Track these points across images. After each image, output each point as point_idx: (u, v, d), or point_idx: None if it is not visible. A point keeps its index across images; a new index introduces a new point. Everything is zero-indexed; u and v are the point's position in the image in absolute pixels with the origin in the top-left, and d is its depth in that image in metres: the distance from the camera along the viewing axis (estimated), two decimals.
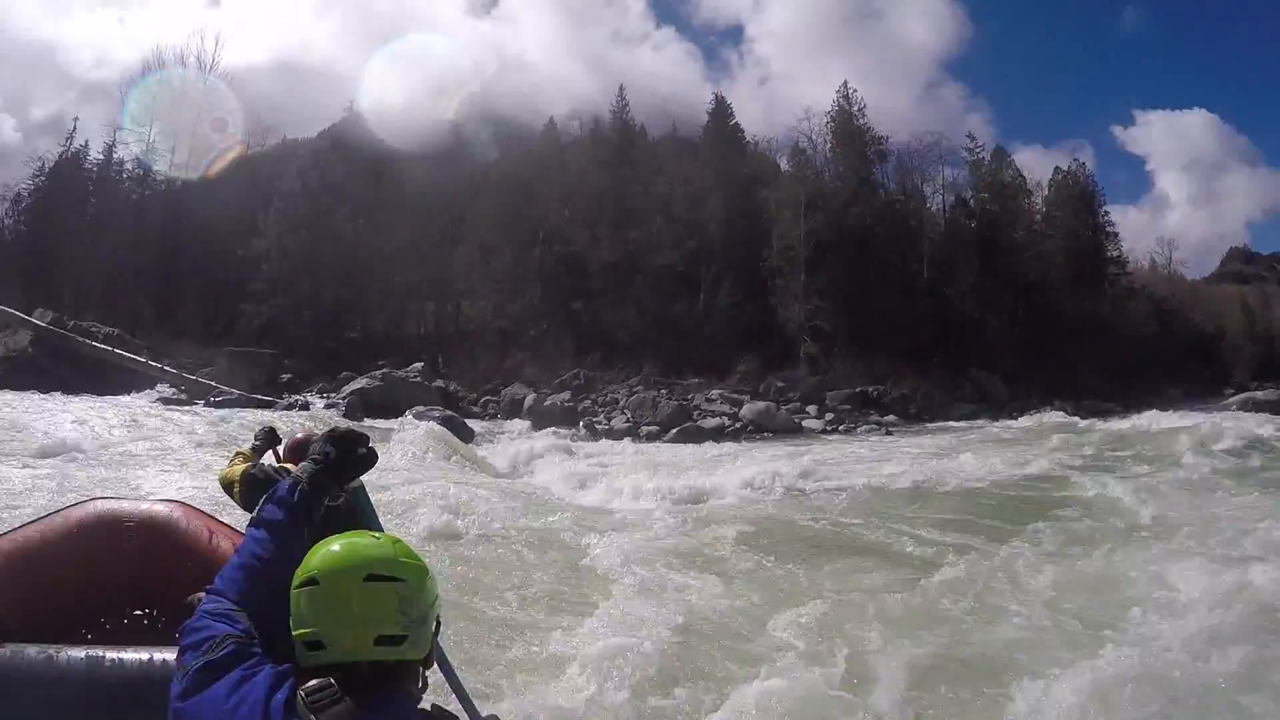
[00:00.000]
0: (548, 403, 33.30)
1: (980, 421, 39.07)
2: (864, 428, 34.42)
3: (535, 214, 56.28)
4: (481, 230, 56.84)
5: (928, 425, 37.95)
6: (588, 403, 36.13)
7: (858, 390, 43.20)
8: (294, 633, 1.82)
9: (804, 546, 10.25)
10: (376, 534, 2.03)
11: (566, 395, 35.80)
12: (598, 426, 30.91)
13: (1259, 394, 31.24)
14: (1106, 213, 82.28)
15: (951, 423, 39.49)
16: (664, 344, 48.65)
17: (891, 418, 40.21)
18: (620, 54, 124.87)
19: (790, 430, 33.26)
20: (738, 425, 32.73)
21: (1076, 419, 35.37)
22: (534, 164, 62.44)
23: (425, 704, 1.88)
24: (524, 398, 35.34)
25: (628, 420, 32.07)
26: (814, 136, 63.81)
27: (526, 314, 52.78)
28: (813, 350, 49.02)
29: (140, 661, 3.20)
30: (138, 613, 4.18)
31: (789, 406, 38.50)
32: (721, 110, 67.99)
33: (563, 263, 54.79)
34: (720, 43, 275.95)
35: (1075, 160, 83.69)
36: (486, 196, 58.67)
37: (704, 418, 32.94)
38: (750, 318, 51.98)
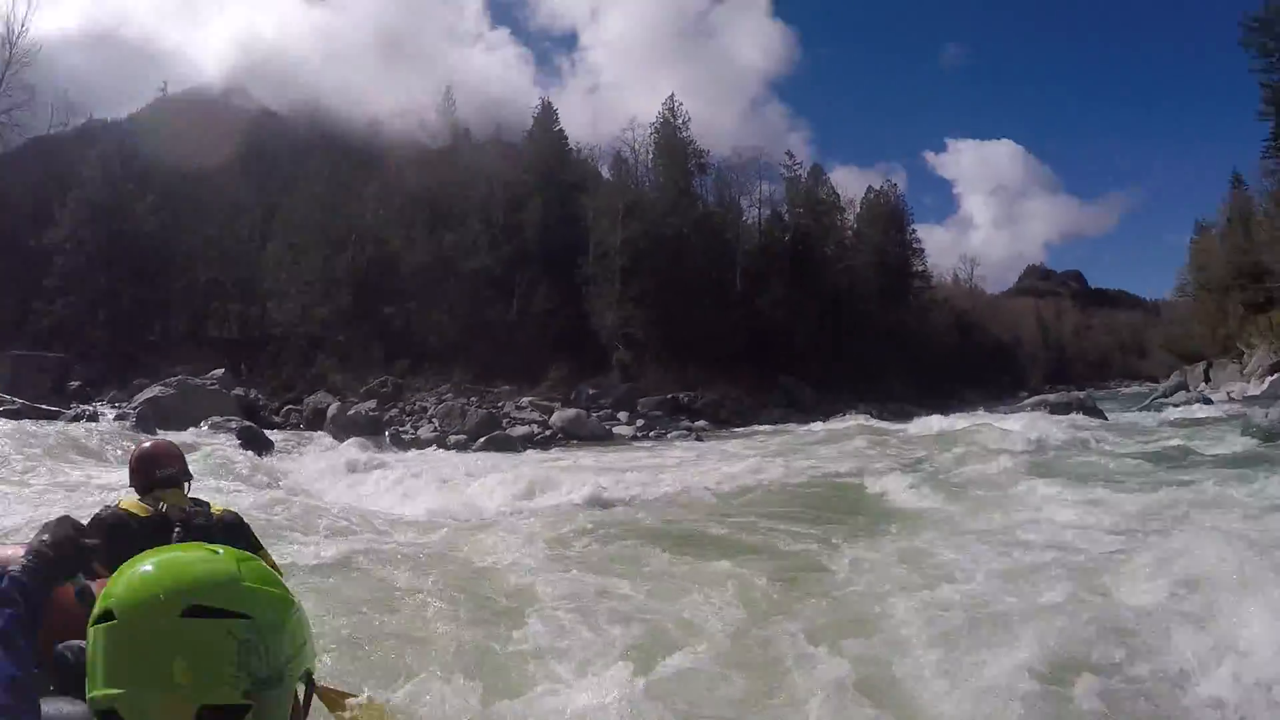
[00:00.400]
0: (351, 412, 31.48)
1: (789, 425, 40.01)
2: (674, 433, 34.47)
3: (350, 213, 54.21)
4: (293, 228, 54.38)
5: (736, 430, 38.69)
6: (395, 411, 34.90)
7: (669, 397, 43.68)
8: (88, 694, 1.20)
9: (634, 545, 10.10)
10: (215, 547, 1.33)
11: (372, 404, 34.18)
12: (404, 436, 29.61)
13: (1050, 396, 33.36)
14: (914, 230, 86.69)
15: (760, 427, 40.45)
16: (476, 351, 47.92)
17: (702, 423, 40.82)
18: (453, 53, 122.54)
19: (600, 437, 33.23)
20: (548, 433, 32.43)
21: (880, 422, 36.45)
22: (352, 161, 60.25)
23: None
24: (327, 407, 33.41)
25: (435, 429, 31.03)
26: (637, 147, 64.73)
27: (336, 318, 50.43)
28: (625, 358, 49.43)
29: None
30: None
31: (600, 413, 38.46)
32: (547, 115, 67.54)
33: (375, 265, 53.28)
34: (554, 49, 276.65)
35: (888, 181, 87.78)
36: (300, 193, 56.08)
37: (513, 426, 32.30)
38: (564, 325, 51.86)
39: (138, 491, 3.78)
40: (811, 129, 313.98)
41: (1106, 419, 30.10)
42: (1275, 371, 45.56)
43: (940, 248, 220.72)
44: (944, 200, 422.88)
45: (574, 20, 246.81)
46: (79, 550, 1.90)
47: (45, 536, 1.83)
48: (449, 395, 37.55)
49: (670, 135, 65.61)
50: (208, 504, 3.77)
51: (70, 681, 2.12)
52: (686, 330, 53.95)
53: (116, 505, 3.62)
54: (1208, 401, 38.65)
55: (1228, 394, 42.80)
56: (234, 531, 3.60)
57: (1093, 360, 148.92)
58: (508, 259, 54.70)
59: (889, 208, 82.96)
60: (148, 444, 4.18)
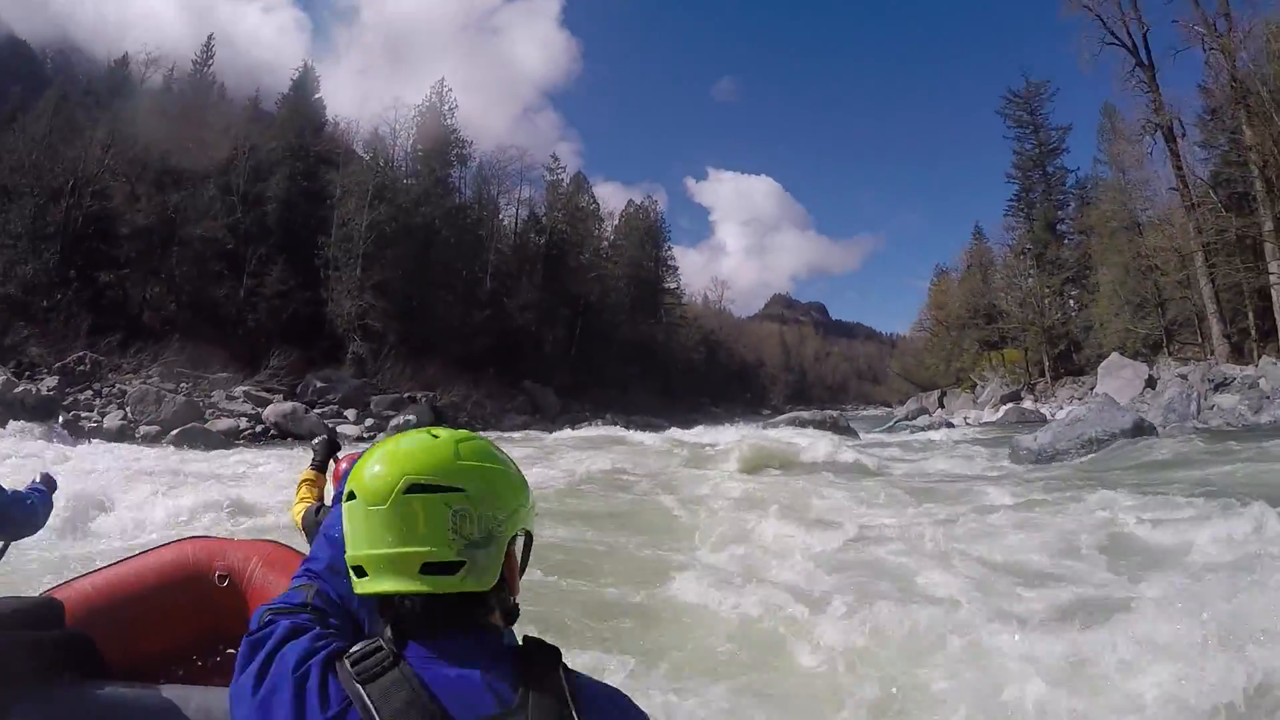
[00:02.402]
0: (19, 390, 25.61)
1: (533, 432, 38.64)
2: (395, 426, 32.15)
3: (71, 157, 45.24)
4: (4, 170, 44.78)
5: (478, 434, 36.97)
6: (88, 394, 29.60)
7: (405, 395, 41.15)
8: (345, 556, 1.42)
9: None
10: (437, 430, 1.45)
11: (53, 383, 28.90)
12: (85, 425, 25.24)
13: (804, 413, 33.64)
14: (670, 248, 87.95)
15: (503, 433, 38.83)
16: (196, 331, 42.03)
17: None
18: (227, 6, 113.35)
19: (320, 435, 30.12)
20: (258, 428, 29.40)
21: (631, 431, 35.54)
22: (86, 102, 52.91)
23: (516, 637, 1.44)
24: None
25: (125, 418, 26.76)
26: (397, 128, 61.42)
27: (42, 279, 42.22)
28: (361, 350, 46.06)
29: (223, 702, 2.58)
30: (230, 651, 3.86)
31: (326, 409, 35.68)
32: (307, 81, 62.68)
33: (93, 222, 45.32)
34: (332, 20, 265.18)
35: (648, 197, 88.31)
36: (23, 129, 47.02)
37: (218, 418, 29.08)
38: (299, 310, 47.73)
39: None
40: (581, 141, 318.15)
41: (859, 437, 30.40)
42: (1007, 401, 49.47)
43: (693, 270, 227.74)
44: (700, 225, 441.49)
45: None
46: None
47: None
48: (155, 378, 32.86)
49: (434, 121, 63.00)
50: None
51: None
52: (430, 326, 51.69)
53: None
54: (950, 425, 40.65)
55: (964, 419, 45.41)
56: None
57: (831, 384, 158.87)
58: (243, 233, 49.46)
59: (647, 223, 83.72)
60: (355, 457, 3.48)
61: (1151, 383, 37.35)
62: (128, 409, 27.62)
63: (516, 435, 37.44)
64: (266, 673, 1.33)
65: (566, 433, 35.09)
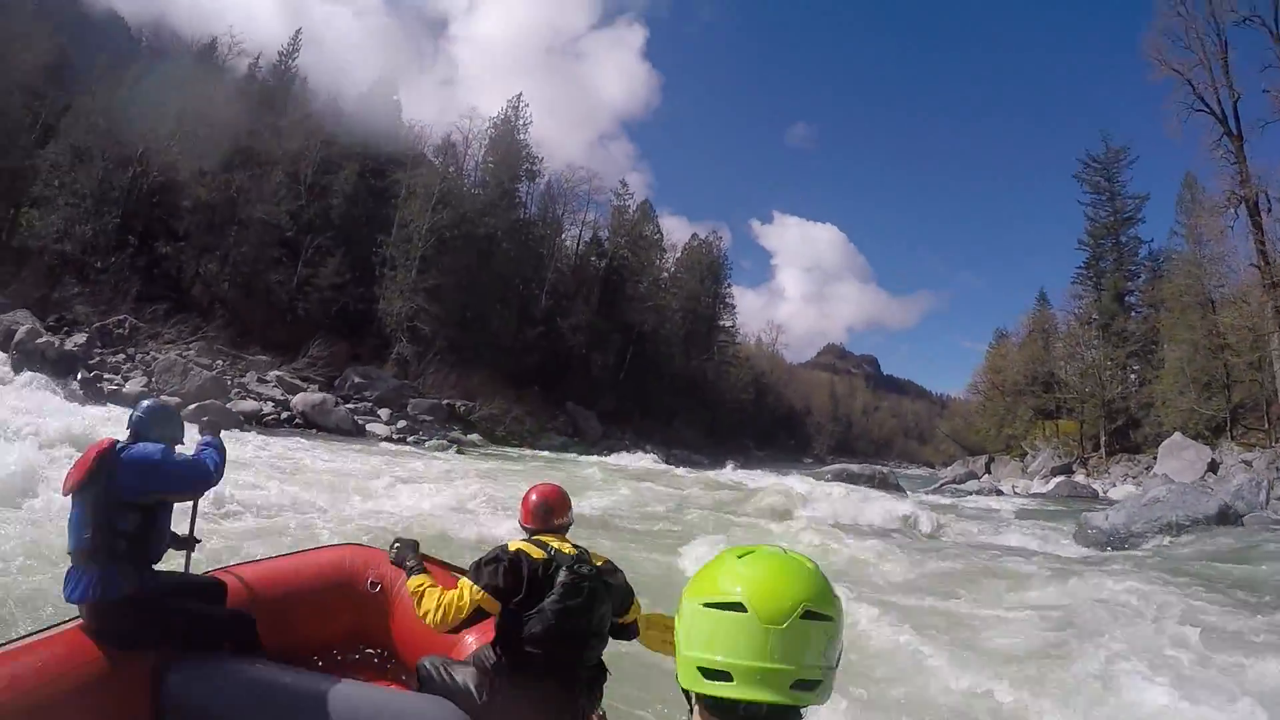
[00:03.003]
0: (41, 341, 24.82)
1: (571, 455, 37.62)
2: (433, 441, 30.95)
3: (145, 129, 44.64)
4: (80, 131, 44.14)
5: (508, 450, 35.80)
6: (121, 357, 29.15)
7: (445, 402, 40.13)
8: (688, 653, 1.48)
9: None
10: (788, 551, 1.56)
11: (81, 339, 27.89)
12: (106, 387, 24.58)
13: (852, 466, 32.17)
14: (729, 285, 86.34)
15: (539, 451, 37.80)
16: (246, 310, 42.70)
17: (475, 437, 37.92)
18: (320, 5, 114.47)
19: (347, 431, 29.27)
20: (283, 414, 28.40)
21: (671, 466, 34.33)
22: (169, 76, 50.48)
23: None
24: (19, 329, 25.64)
25: (146, 385, 25.78)
26: (470, 137, 61.04)
27: (100, 241, 42.13)
28: (407, 352, 45.23)
29: (375, 697, 3.67)
30: (369, 650, 4.75)
31: (360, 405, 34.60)
32: (387, 83, 63.00)
33: (157, 192, 45.54)
34: (422, 31, 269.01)
35: (713, 232, 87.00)
36: (100, 95, 46.07)
37: (243, 398, 28.07)
38: (350, 304, 47.45)
39: (530, 532, 3.93)
40: (652, 173, 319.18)
41: (907, 495, 28.96)
42: (1058, 474, 48.14)
43: (750, 311, 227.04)
44: (761, 267, 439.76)
45: (448, 8, 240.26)
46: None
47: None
48: (190, 352, 31.94)
49: (508, 134, 62.58)
50: (587, 551, 3.80)
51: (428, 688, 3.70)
52: (480, 336, 50.81)
53: (507, 546, 3.72)
54: (999, 492, 39.32)
55: (1012, 488, 44.10)
56: (615, 579, 3.76)
57: (876, 439, 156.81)
58: (305, 222, 49.07)
59: (709, 258, 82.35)
60: (548, 490, 4.11)
61: (1214, 467, 35.85)
62: (153, 377, 26.79)
63: (546, 454, 36.43)
64: None
65: (594, 460, 34.04)
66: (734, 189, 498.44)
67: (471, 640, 4.23)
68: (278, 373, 32.44)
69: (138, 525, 3.84)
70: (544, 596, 3.49)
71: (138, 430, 4.08)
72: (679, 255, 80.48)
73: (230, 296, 43.98)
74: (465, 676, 3.63)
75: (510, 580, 3.50)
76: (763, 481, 26.03)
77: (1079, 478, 46.18)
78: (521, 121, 63.38)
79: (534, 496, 4.03)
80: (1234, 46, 38.50)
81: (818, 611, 1.43)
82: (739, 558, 1.51)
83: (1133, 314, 59.86)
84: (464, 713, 3.49)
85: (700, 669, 1.44)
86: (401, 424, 33.28)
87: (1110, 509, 19.29)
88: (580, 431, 51.48)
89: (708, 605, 1.47)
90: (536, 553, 3.63)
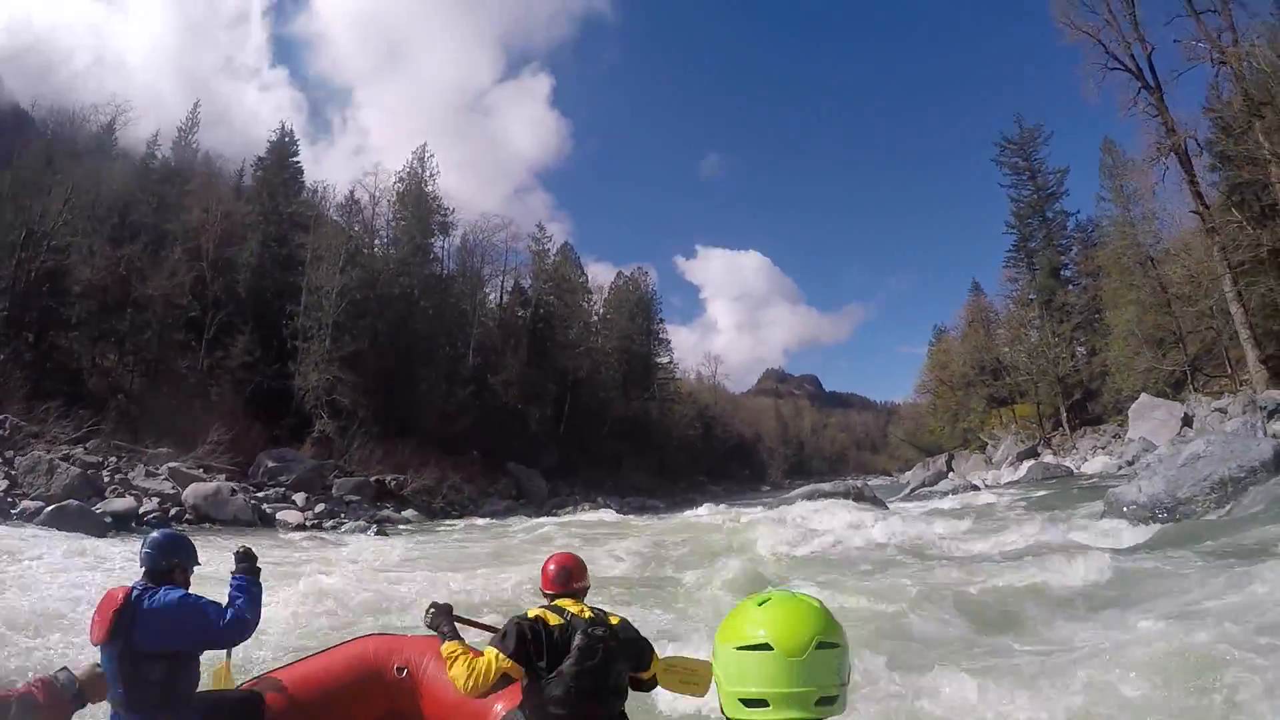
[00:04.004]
0: None
1: (515, 519, 34.75)
2: (351, 525, 26.89)
3: (34, 209, 40.68)
4: None
5: (448, 523, 32.80)
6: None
7: (374, 479, 36.91)
8: (730, 689, 1.82)
9: None
10: (797, 594, 1.93)
11: None
12: None
13: (823, 485, 29.88)
14: (661, 320, 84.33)
15: (479, 520, 34.75)
16: (152, 400, 38.34)
17: (410, 513, 34.81)
18: (226, 84, 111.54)
19: (248, 522, 25.25)
20: (172, 510, 24.48)
21: (631, 516, 31.96)
22: (60, 159, 46.13)
23: None
24: None
25: (7, 489, 22.26)
26: (376, 193, 57.70)
27: None
28: (328, 428, 41.72)
29: None
30: None
31: (273, 490, 31.08)
32: (284, 143, 58.78)
33: (46, 279, 40.43)
34: (327, 100, 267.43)
35: (638, 268, 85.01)
36: None
37: (119, 495, 24.25)
38: (265, 382, 43.88)
39: (550, 598, 4.20)
40: (571, 221, 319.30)
41: (888, 507, 26.79)
42: (1025, 458, 47.81)
43: (685, 348, 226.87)
44: (691, 303, 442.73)
45: (353, 76, 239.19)
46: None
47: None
48: (80, 451, 28.29)
49: (415, 187, 59.69)
50: (603, 612, 4.05)
51: None
52: (407, 403, 47.64)
53: (528, 614, 3.96)
54: (975, 488, 37.65)
55: (983, 481, 42.84)
56: (630, 638, 4.02)
57: (829, 455, 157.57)
58: (211, 299, 45.02)
59: (637, 294, 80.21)
60: (564, 558, 4.38)
61: (1188, 421, 35.43)
62: (15, 478, 23.07)
63: (485, 521, 33.58)
64: None
65: (539, 521, 31.54)
66: (655, 228, 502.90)
67: (500, 708, 4.31)
68: (173, 464, 28.38)
69: (165, 673, 3.82)
70: (563, 659, 3.74)
71: (150, 568, 4.06)
72: (606, 296, 78.19)
73: (133, 386, 40.26)
74: None
75: (531, 647, 3.76)
76: (744, 518, 23.41)
77: (1047, 458, 45.45)
78: (429, 173, 60.58)
79: (552, 566, 4.31)
80: (1140, 1, 38.13)
81: (828, 641, 1.79)
82: (759, 605, 1.85)
83: (1070, 287, 60.50)
84: None
85: (741, 700, 1.78)
86: (320, 508, 29.66)
87: (1141, 478, 16.85)
88: (525, 493, 48.48)
89: (740, 649, 1.80)
90: (554, 619, 3.90)
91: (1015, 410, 61.49)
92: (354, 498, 33.15)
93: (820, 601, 1.88)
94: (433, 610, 4.17)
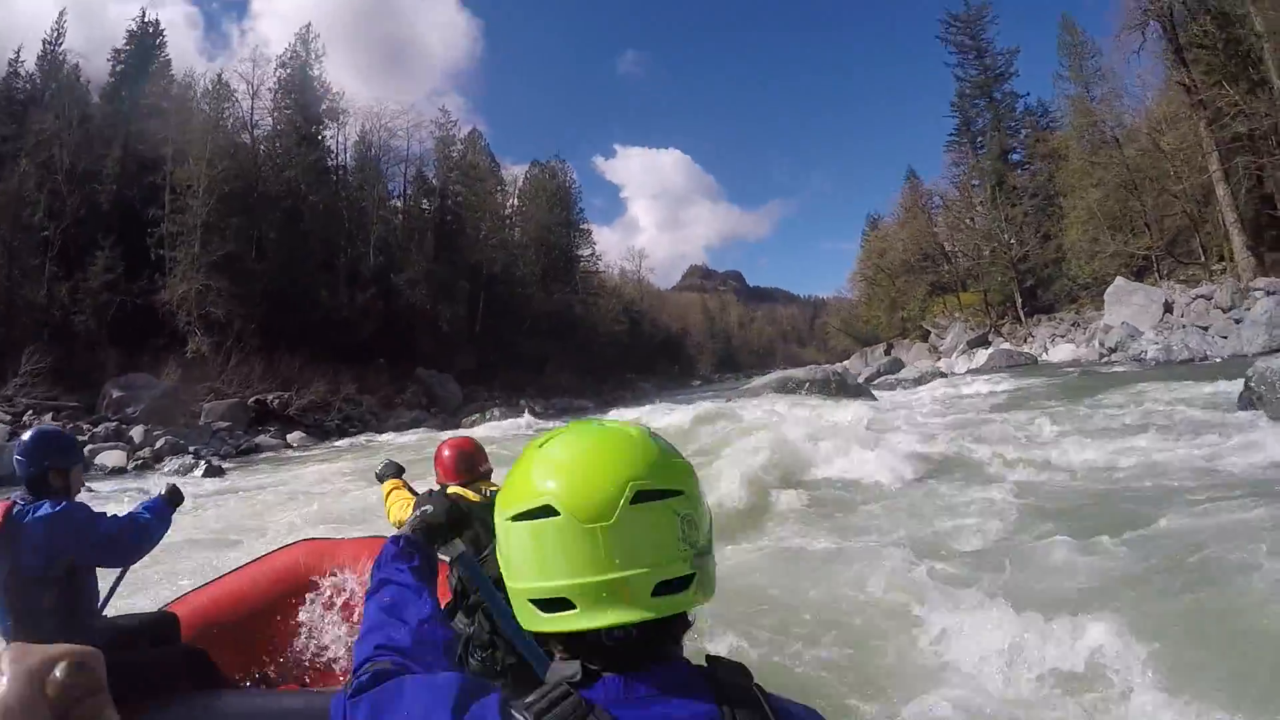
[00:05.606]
0: None
1: (420, 431, 31.07)
2: (176, 463, 21.11)
3: None
4: None
5: (336, 445, 28.78)
6: None
7: (253, 400, 32.46)
8: (515, 585, 1.15)
9: None
10: (610, 422, 1.24)
11: None
12: None
13: (796, 372, 25.65)
14: (581, 210, 79.79)
15: (380, 436, 30.77)
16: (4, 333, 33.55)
17: (298, 435, 30.66)
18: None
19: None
20: None
21: (548, 419, 29.55)
22: None
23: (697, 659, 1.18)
24: None
25: None
26: (254, 81, 51.56)
27: None
28: (202, 346, 36.87)
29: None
30: (344, 650, 4.21)
31: (107, 427, 25.47)
32: (147, 35, 51.82)
33: None
34: (222, 12, 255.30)
35: (556, 157, 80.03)
36: None
37: None
38: (129, 301, 38.69)
39: (459, 483, 3.84)
40: (488, 124, 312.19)
41: (876, 399, 23.03)
42: (976, 346, 46.03)
43: (608, 247, 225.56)
44: (612, 203, 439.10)
45: None
46: (457, 519, 3.01)
47: (428, 508, 2.13)
48: None
49: (299, 72, 53.76)
50: None
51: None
52: (296, 313, 42.82)
53: (446, 490, 3.67)
54: (943, 375, 35.31)
55: (949, 369, 39.90)
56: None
57: (757, 348, 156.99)
58: (70, 216, 39.60)
59: (555, 184, 75.17)
60: (461, 441, 4.06)
61: (1169, 307, 32.51)
62: None
63: (389, 437, 29.58)
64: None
65: (448, 432, 26.87)
66: (572, 128, 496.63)
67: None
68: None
69: (59, 598, 3.40)
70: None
71: (24, 478, 3.52)
72: (521, 185, 73.16)
73: None
74: None
75: (458, 512, 3.29)
76: (736, 415, 18.08)
77: (1006, 346, 42.58)
78: (313, 55, 54.58)
79: (447, 452, 3.94)
80: None
81: (653, 489, 1.10)
82: (540, 447, 1.18)
83: (1019, 170, 57.62)
84: None
85: (534, 602, 1.12)
86: (161, 443, 24.42)
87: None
88: (436, 400, 44.36)
89: (517, 518, 1.13)
90: (473, 496, 3.66)
91: (960, 298, 58.74)
92: (223, 424, 28.74)
93: (640, 430, 1.18)
94: (383, 465, 4.16)
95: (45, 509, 3.31)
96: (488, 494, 3.63)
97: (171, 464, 20.85)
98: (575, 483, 1.08)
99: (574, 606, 1.07)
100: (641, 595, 1.06)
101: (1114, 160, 42.54)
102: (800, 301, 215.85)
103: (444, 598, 3.37)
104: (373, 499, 10.24)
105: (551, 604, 1.08)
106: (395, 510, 3.79)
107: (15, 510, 3.31)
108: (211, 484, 17.62)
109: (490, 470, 3.93)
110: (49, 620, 3.32)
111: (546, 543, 1.08)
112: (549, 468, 1.12)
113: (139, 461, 21.96)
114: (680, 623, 1.14)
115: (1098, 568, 5.81)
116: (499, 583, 2.71)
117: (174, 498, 3.84)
